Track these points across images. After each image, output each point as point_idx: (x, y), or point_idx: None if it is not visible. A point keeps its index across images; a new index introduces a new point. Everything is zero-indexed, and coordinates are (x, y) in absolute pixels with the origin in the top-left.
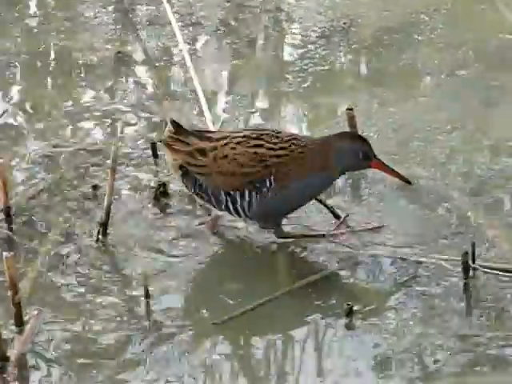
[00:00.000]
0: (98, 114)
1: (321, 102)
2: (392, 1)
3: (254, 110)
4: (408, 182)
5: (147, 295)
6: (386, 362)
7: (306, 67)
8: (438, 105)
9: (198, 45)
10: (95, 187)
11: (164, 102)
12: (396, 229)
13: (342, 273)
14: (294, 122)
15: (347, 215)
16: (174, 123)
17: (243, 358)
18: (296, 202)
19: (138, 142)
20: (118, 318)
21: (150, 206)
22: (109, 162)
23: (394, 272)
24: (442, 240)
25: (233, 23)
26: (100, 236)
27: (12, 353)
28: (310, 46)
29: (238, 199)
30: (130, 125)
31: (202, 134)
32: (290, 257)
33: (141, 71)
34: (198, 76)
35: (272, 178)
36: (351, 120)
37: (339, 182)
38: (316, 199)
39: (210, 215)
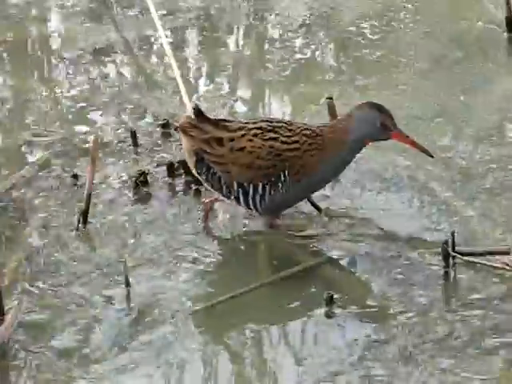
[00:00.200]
0: (77, 103)
1: (301, 91)
2: None
3: (234, 98)
4: (430, 155)
5: (127, 283)
6: (366, 350)
7: (286, 56)
8: (419, 93)
9: (178, 33)
10: (75, 176)
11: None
12: (377, 218)
13: (323, 263)
14: (274, 111)
15: (328, 208)
16: (197, 109)
17: (224, 347)
18: (306, 193)
19: (119, 131)
20: (99, 307)
21: (130, 194)
22: (89, 150)
23: (374, 261)
24: (423, 229)
25: (213, 12)
26: (80, 225)
27: None
28: (290, 34)
29: (251, 192)
30: (110, 114)
31: (219, 123)
32: (271, 248)
33: (120, 60)
34: (177, 65)
35: (286, 172)
36: (332, 109)
37: None
38: None
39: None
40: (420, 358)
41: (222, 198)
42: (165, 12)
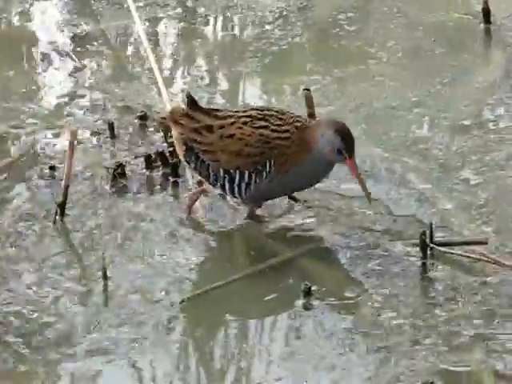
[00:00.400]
0: (55, 94)
1: (279, 83)
2: None
3: (212, 89)
4: (369, 199)
5: (105, 276)
6: (344, 342)
7: (263, 47)
8: (396, 84)
9: (156, 25)
10: (53, 168)
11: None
12: (355, 210)
13: (301, 255)
14: (252, 102)
15: (305, 201)
16: (190, 98)
17: (201, 339)
18: (292, 187)
19: (96, 123)
20: (76, 300)
21: (107, 186)
22: (66, 142)
23: (352, 252)
24: (400, 220)
25: (190, 3)
26: (57, 217)
27: None
28: (267, 26)
29: (237, 179)
30: (88, 105)
31: (209, 111)
32: (248, 239)
33: (98, 51)
34: (155, 56)
35: (273, 161)
36: (309, 100)
37: None
38: None
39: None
40: (397, 350)
41: (207, 187)
42: (142, 3)
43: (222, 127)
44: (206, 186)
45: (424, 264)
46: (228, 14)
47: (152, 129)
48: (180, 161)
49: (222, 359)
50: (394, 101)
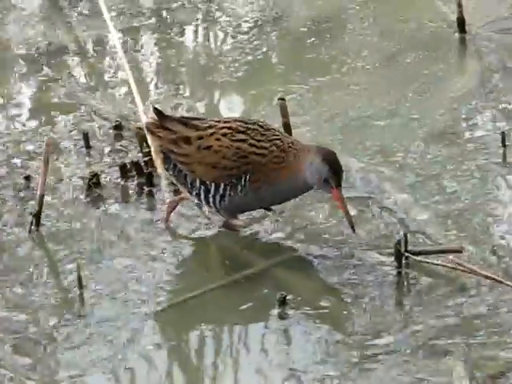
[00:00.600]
0: (30, 104)
1: (254, 93)
2: None
3: (187, 100)
4: (353, 229)
5: (80, 285)
6: (319, 351)
7: (238, 57)
8: (372, 93)
9: (130, 35)
10: (28, 178)
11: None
12: (329, 219)
13: (276, 265)
14: (227, 112)
15: (283, 211)
16: (157, 111)
17: (176, 349)
18: (267, 202)
19: (71, 133)
20: (51, 309)
21: (82, 196)
22: (41, 152)
23: (327, 262)
24: (375, 230)
25: (165, 13)
26: (33, 227)
27: None
28: (242, 36)
29: (212, 190)
30: (62, 115)
31: (188, 122)
32: (223, 249)
33: (73, 62)
34: (130, 66)
35: (248, 176)
36: (284, 110)
37: None
38: None
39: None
40: (374, 359)
41: (186, 195)
42: (116, 13)
43: (200, 138)
44: (185, 193)
45: (399, 273)
46: (203, 23)
47: (127, 139)
48: (156, 170)
49: (197, 368)
50: (369, 110)
